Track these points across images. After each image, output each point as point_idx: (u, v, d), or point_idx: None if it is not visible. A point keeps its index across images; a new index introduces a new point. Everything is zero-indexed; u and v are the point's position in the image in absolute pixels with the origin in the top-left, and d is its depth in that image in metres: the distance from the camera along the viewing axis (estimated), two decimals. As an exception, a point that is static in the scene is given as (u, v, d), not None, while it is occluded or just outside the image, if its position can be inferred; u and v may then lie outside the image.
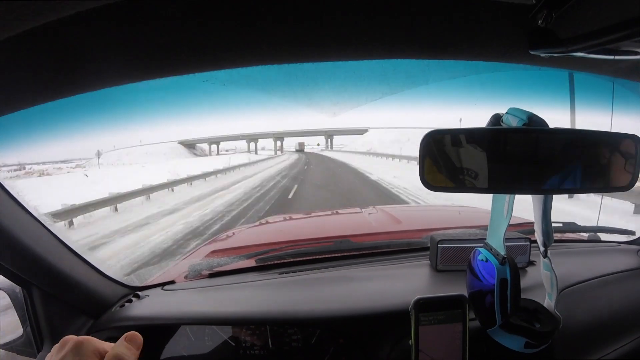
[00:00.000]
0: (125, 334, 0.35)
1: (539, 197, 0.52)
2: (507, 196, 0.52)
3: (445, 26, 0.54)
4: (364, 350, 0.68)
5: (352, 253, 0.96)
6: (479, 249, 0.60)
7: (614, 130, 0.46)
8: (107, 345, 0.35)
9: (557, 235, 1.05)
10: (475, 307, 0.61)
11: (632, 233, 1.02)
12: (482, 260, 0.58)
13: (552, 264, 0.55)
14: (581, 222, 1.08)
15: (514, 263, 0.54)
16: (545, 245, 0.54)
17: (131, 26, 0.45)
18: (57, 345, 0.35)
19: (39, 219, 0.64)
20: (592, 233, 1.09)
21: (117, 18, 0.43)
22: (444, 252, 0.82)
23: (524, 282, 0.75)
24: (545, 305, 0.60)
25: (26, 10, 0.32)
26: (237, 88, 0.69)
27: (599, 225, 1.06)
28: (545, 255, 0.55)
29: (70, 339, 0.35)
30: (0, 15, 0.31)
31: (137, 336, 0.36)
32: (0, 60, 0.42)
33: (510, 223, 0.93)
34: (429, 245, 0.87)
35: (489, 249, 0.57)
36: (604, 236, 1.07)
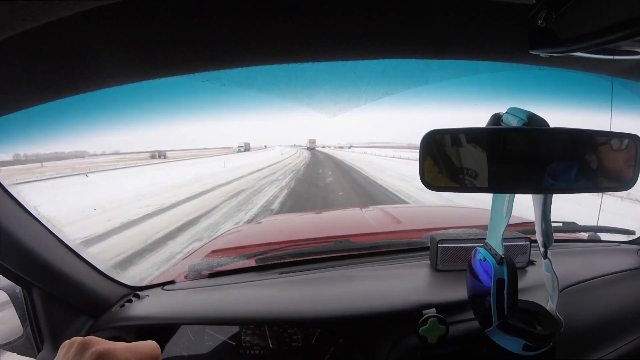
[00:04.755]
0: None
1: (539, 198, 0.52)
2: (507, 196, 0.52)
3: (445, 26, 0.54)
4: (364, 350, 0.68)
5: (352, 253, 0.96)
6: (478, 248, 0.60)
7: (614, 129, 0.46)
8: (131, 354, 0.32)
9: (557, 235, 1.05)
10: (474, 308, 0.61)
11: (632, 233, 1.02)
12: (481, 259, 0.58)
13: (552, 265, 0.55)
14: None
15: (512, 263, 0.54)
16: (545, 245, 0.54)
17: (131, 26, 0.45)
18: (74, 345, 0.32)
19: (39, 219, 0.64)
20: (593, 233, 1.09)
21: (117, 18, 0.43)
22: (444, 251, 0.82)
23: (525, 282, 0.75)
24: (547, 307, 0.59)
25: (27, 10, 0.32)
26: (237, 88, 0.69)
27: (599, 225, 1.07)
28: (545, 256, 0.55)
29: (92, 343, 0.32)
30: (1, 15, 0.31)
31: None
32: (1, 60, 0.42)
33: (511, 223, 0.93)
34: (429, 245, 0.87)
35: (488, 248, 0.57)
36: (604, 236, 1.07)
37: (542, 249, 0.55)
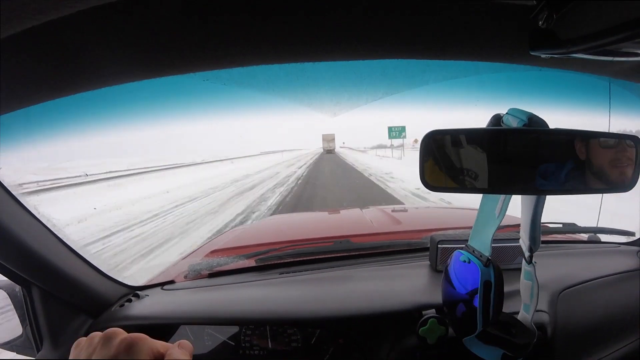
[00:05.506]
0: (179, 342, 0.33)
1: (530, 200, 0.50)
2: (502, 196, 0.50)
3: (446, 26, 0.54)
4: (363, 351, 0.68)
5: (352, 253, 0.96)
6: (459, 250, 0.58)
7: (613, 131, 0.46)
8: (159, 345, 0.31)
9: (557, 237, 1.05)
10: (449, 315, 0.59)
11: (632, 234, 1.02)
12: (465, 261, 0.55)
13: (536, 272, 0.53)
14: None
15: (498, 266, 0.52)
16: (531, 250, 0.52)
17: (132, 25, 0.45)
18: (96, 338, 0.31)
19: (39, 218, 0.64)
20: (592, 234, 1.09)
21: (118, 17, 0.43)
22: (443, 252, 0.82)
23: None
24: (519, 317, 0.57)
25: (27, 9, 0.32)
26: (238, 88, 0.69)
27: (599, 226, 1.07)
28: (530, 262, 0.53)
29: (117, 333, 0.31)
30: (2, 13, 0.31)
31: (188, 344, 0.33)
32: (2, 58, 0.42)
33: (511, 223, 0.93)
34: (428, 245, 0.87)
35: (471, 250, 0.55)
36: (603, 237, 1.07)
37: (527, 254, 0.53)
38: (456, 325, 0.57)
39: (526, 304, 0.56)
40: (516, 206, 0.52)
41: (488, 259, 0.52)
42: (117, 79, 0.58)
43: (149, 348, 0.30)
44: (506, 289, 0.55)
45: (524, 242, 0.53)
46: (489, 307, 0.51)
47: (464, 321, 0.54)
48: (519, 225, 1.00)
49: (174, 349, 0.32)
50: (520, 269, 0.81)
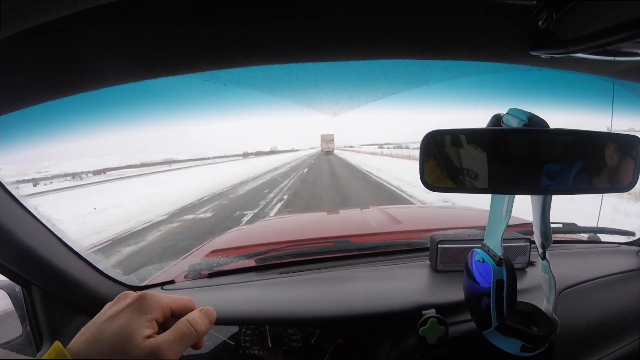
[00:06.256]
0: (202, 307, 0.35)
1: (538, 199, 0.51)
2: (507, 197, 0.52)
3: (446, 27, 0.54)
4: (363, 350, 0.68)
5: (352, 253, 0.96)
6: (476, 249, 0.60)
7: (614, 131, 0.46)
8: (168, 299, 0.34)
9: (557, 236, 1.05)
10: (471, 309, 0.61)
11: (632, 234, 1.02)
12: (479, 261, 0.58)
13: (550, 266, 0.55)
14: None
15: (511, 264, 0.54)
16: (543, 246, 0.54)
17: (132, 25, 0.45)
18: (110, 303, 0.34)
19: (39, 218, 0.64)
20: (592, 234, 1.09)
21: (118, 16, 0.43)
22: (443, 252, 0.82)
23: (524, 283, 0.75)
24: (542, 308, 0.59)
25: (27, 9, 0.32)
26: (238, 88, 0.69)
27: (599, 226, 1.07)
28: (543, 257, 0.55)
29: (129, 294, 0.33)
30: (2, 13, 0.31)
31: (212, 312, 0.36)
32: (2, 58, 0.42)
33: (511, 223, 0.93)
34: (428, 245, 0.87)
35: (486, 249, 0.57)
36: (604, 237, 1.07)
37: (540, 250, 0.55)
38: (479, 319, 0.58)
39: (547, 296, 0.57)
40: (517, 207, 0.53)
41: (500, 259, 0.54)
42: (116, 79, 0.58)
43: (157, 301, 0.32)
44: (531, 283, 0.55)
45: (537, 240, 0.54)
46: (502, 304, 0.53)
47: (488, 314, 0.55)
48: (518, 225, 1.00)
49: (195, 313, 0.34)
50: (521, 269, 0.82)
